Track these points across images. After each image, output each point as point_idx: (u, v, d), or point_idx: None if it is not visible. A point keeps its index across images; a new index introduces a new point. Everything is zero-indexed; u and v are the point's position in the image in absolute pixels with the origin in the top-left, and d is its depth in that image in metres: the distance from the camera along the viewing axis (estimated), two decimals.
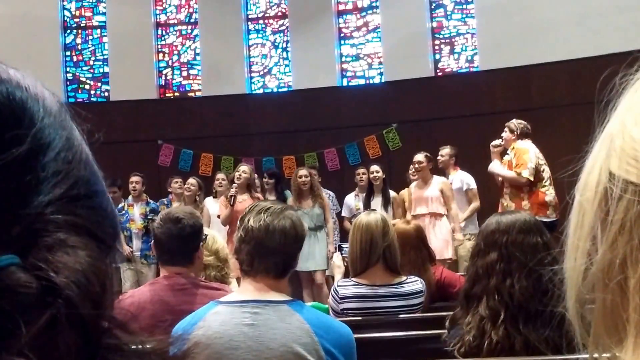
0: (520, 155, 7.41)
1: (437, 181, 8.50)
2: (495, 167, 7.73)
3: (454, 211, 8.37)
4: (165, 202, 9.55)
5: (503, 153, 7.80)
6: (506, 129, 7.68)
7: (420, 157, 8.55)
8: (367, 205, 8.87)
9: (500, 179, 7.74)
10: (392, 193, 9.12)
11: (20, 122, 0.60)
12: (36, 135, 0.60)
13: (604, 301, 0.62)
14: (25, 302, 0.53)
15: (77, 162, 0.63)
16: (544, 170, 7.38)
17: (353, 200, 9.42)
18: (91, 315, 0.56)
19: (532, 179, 7.34)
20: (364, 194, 9.22)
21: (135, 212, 9.36)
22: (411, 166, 8.88)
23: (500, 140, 7.77)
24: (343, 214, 9.54)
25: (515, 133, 7.56)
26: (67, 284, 0.55)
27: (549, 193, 7.33)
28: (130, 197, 9.52)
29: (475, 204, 8.73)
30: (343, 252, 5.47)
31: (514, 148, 7.54)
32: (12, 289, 0.53)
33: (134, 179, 9.51)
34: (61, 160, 0.61)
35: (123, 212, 9.18)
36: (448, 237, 8.32)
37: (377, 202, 8.97)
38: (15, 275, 0.54)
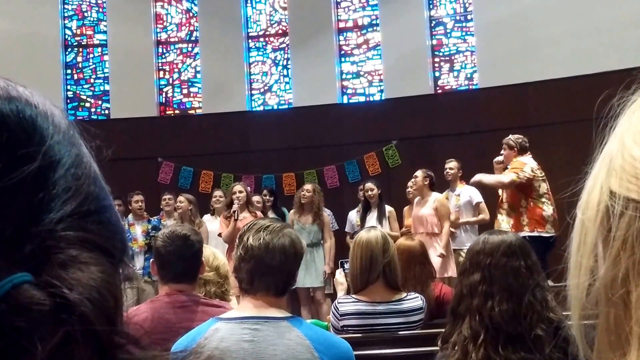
0: (515, 166, 7.42)
1: (432, 199, 8.47)
2: (478, 177, 7.73)
3: (445, 229, 8.33)
4: (155, 221, 9.50)
5: (505, 170, 7.82)
6: (505, 145, 7.70)
7: (418, 172, 8.57)
8: (363, 221, 8.92)
9: (499, 193, 7.75)
10: (387, 207, 9.15)
11: (31, 140, 0.60)
12: (47, 152, 0.61)
13: (608, 316, 0.63)
14: (40, 319, 0.54)
15: (87, 178, 0.63)
16: (540, 185, 7.37)
17: (355, 216, 9.45)
18: (106, 331, 0.56)
19: (515, 180, 7.28)
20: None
21: (137, 231, 9.34)
22: (409, 182, 8.92)
23: (501, 157, 7.79)
24: (346, 229, 9.57)
25: (515, 149, 7.58)
26: (81, 300, 0.55)
27: (546, 208, 7.32)
28: (130, 216, 9.50)
29: (483, 216, 8.73)
30: (345, 269, 5.47)
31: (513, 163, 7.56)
32: (26, 306, 0.54)
33: (138, 197, 9.52)
34: (71, 176, 0.62)
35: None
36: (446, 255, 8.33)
37: (372, 216, 9.01)
38: (28, 292, 0.54)
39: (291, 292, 3.48)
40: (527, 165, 7.37)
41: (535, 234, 7.05)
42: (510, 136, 7.74)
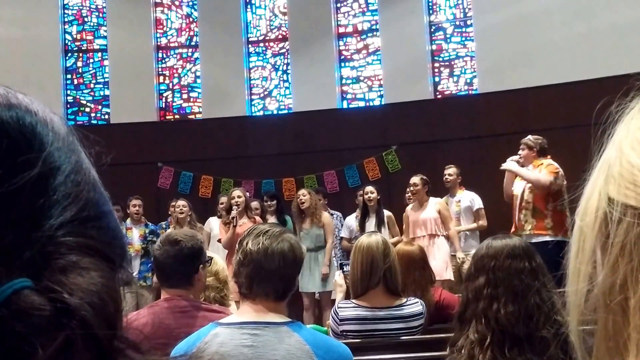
0: (551, 170, 7.17)
1: (433, 202, 8.50)
2: (513, 165, 7.38)
3: (453, 231, 8.36)
4: (164, 226, 9.49)
5: None
6: (523, 146, 7.42)
7: (415, 179, 8.55)
8: (362, 226, 8.89)
9: (514, 195, 7.47)
10: (386, 212, 9.13)
11: (31, 147, 0.61)
12: (46, 159, 0.61)
13: (606, 322, 0.63)
14: (40, 324, 0.54)
15: (86, 184, 0.64)
16: (564, 192, 7.21)
17: (354, 221, 9.43)
18: (106, 336, 0.57)
19: (553, 184, 7.03)
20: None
21: (134, 235, 9.33)
22: (407, 189, 8.90)
23: (518, 157, 7.52)
24: (342, 234, 9.56)
25: (535, 149, 7.37)
26: (82, 305, 0.55)
27: (569, 214, 7.17)
28: (128, 221, 9.49)
29: (482, 222, 8.71)
30: (345, 270, 5.46)
31: (542, 164, 7.27)
32: (27, 312, 0.54)
33: (137, 202, 9.51)
34: (71, 183, 0.62)
35: None
36: (447, 258, 8.31)
37: (371, 222, 8.99)
38: (29, 298, 0.54)
39: (295, 296, 3.48)
40: (560, 173, 7.20)
41: (559, 238, 6.92)
42: (530, 136, 7.49)
